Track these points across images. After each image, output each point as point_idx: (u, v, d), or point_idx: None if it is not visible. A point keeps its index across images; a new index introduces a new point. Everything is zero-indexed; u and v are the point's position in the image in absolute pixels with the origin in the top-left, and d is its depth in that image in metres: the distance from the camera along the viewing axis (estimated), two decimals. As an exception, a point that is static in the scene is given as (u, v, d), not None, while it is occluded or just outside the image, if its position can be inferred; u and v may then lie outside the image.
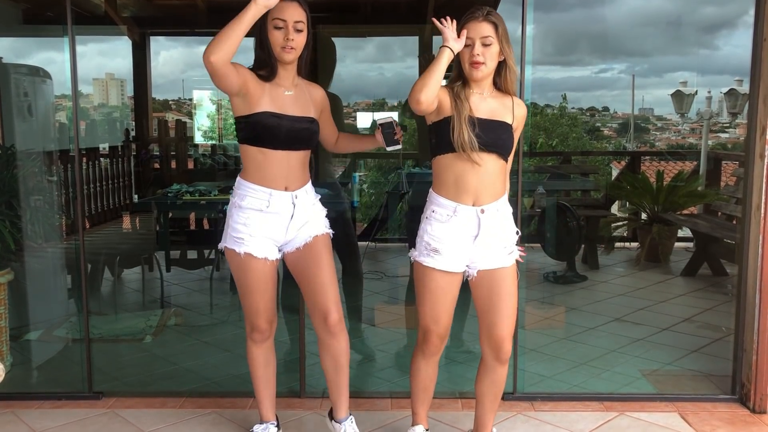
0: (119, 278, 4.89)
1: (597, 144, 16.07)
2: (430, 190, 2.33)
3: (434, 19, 2.21)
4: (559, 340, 3.90)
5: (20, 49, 5.57)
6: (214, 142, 6.75)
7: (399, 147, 2.44)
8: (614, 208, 6.67)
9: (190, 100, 7.25)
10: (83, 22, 3.99)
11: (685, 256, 5.50)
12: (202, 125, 6.73)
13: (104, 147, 6.00)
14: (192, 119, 6.87)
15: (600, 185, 6.83)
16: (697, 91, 8.42)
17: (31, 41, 5.43)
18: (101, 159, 5.70)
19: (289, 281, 2.75)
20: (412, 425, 2.58)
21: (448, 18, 2.19)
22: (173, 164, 6.07)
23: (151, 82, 6.63)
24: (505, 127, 2.26)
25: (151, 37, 6.62)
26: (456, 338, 3.55)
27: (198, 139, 6.70)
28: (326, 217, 2.53)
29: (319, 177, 3.22)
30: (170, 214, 4.93)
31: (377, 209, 6.20)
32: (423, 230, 2.31)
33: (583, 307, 4.54)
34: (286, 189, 2.36)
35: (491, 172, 2.24)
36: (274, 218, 2.37)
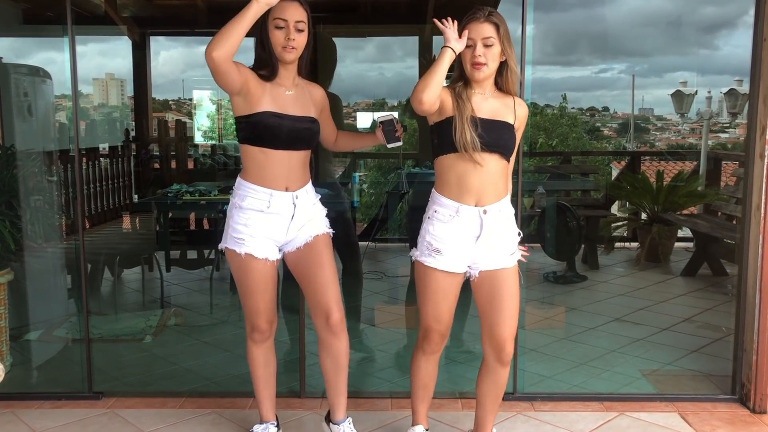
0: (119, 278, 4.89)
1: (597, 144, 16.08)
2: (433, 190, 2.33)
3: (435, 20, 2.21)
4: (559, 340, 3.90)
5: (20, 49, 5.58)
6: (214, 142, 6.76)
7: (400, 144, 2.45)
8: (614, 208, 6.67)
9: (190, 100, 7.26)
10: (83, 22, 3.99)
11: (685, 256, 5.50)
12: (202, 125, 6.74)
13: (104, 147, 6.00)
14: (192, 119, 6.87)
15: (600, 185, 6.83)
16: (697, 91, 8.43)
17: (31, 41, 5.43)
18: (101, 159, 5.70)
19: (289, 281, 2.75)
20: (412, 425, 2.58)
21: (449, 18, 2.19)
22: (173, 164, 6.06)
23: (151, 82, 6.63)
24: (507, 128, 2.26)
25: (151, 37, 6.62)
26: (456, 338, 3.55)
27: (198, 139, 6.70)
28: (326, 216, 2.53)
29: (319, 177, 3.22)
30: (170, 214, 4.93)
31: (377, 209, 6.20)
32: (425, 230, 2.31)
33: (583, 307, 4.54)
34: (286, 189, 2.36)
35: (493, 172, 2.24)
36: (275, 219, 2.37)
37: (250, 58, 2.33)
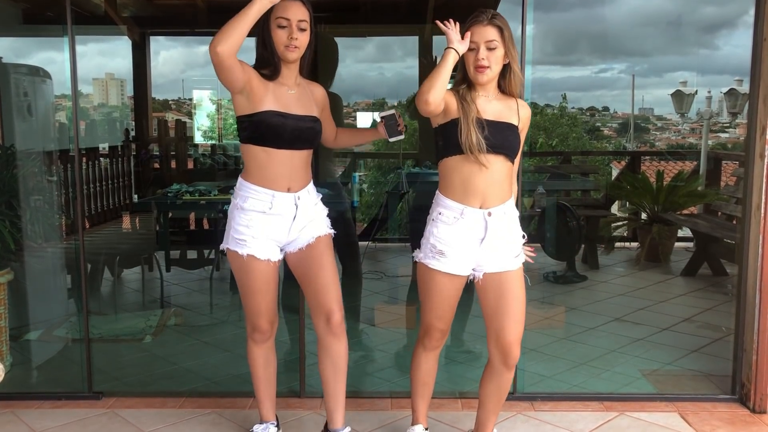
0: (119, 278, 4.89)
1: (597, 144, 16.06)
2: (437, 192, 2.32)
3: (437, 22, 2.21)
4: (559, 340, 3.90)
5: (20, 49, 5.57)
6: (213, 141, 6.75)
7: (402, 137, 2.46)
8: (614, 208, 6.67)
9: (190, 100, 7.25)
10: (83, 22, 3.99)
11: (685, 256, 5.50)
12: (202, 125, 6.73)
13: (104, 147, 6.00)
14: (192, 119, 6.87)
15: (600, 185, 6.83)
16: (697, 91, 8.42)
17: (31, 41, 5.43)
18: (101, 159, 5.70)
19: (289, 281, 2.75)
20: (412, 425, 2.58)
21: (450, 20, 2.19)
22: (173, 164, 6.06)
23: (151, 82, 6.63)
24: (512, 129, 2.26)
25: (151, 37, 6.61)
26: (456, 338, 3.55)
27: (198, 138, 6.70)
28: (327, 216, 2.53)
29: (320, 176, 3.22)
30: (170, 214, 4.93)
31: (377, 209, 6.20)
32: (429, 232, 2.31)
33: (583, 307, 4.54)
34: (288, 190, 2.35)
35: (498, 174, 2.24)
36: (277, 219, 2.36)
37: (251, 58, 2.33)
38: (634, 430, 2.79)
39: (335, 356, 2.47)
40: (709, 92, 9.18)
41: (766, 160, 2.86)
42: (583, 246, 5.42)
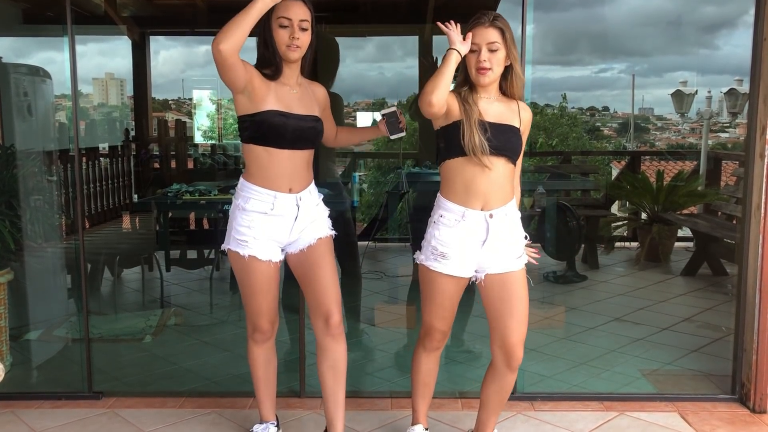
0: (119, 278, 4.89)
1: (597, 144, 16.07)
2: (438, 194, 2.32)
3: (439, 23, 2.21)
4: (559, 339, 3.90)
5: (20, 48, 5.57)
6: (213, 141, 6.75)
7: (403, 134, 2.47)
8: (614, 208, 6.67)
9: (190, 99, 7.25)
10: (83, 22, 3.98)
11: (685, 255, 5.50)
12: (202, 125, 6.73)
13: (104, 147, 6.00)
14: (192, 119, 6.86)
15: (600, 185, 6.83)
16: (697, 91, 8.42)
17: (31, 41, 5.43)
18: (101, 159, 5.70)
19: (289, 281, 2.75)
20: (412, 424, 2.58)
21: (452, 21, 2.19)
22: (173, 164, 6.06)
23: (151, 82, 6.62)
24: (514, 131, 2.26)
25: (151, 37, 6.61)
26: (456, 338, 3.55)
27: (198, 138, 6.69)
28: (328, 217, 2.53)
29: (320, 176, 3.22)
30: (170, 214, 4.93)
31: (377, 209, 6.20)
32: (430, 234, 2.30)
33: (583, 307, 4.54)
34: (290, 191, 2.35)
35: (501, 176, 2.23)
36: (278, 220, 2.36)
37: (252, 58, 2.32)
38: (634, 430, 2.79)
39: (334, 359, 2.46)
40: (709, 92, 9.19)
41: (766, 160, 2.86)
42: (583, 246, 5.42)
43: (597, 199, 6.38)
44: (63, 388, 3.17)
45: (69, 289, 4.08)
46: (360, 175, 6.73)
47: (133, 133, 6.57)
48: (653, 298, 4.73)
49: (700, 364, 3.48)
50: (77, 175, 3.35)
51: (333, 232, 2.51)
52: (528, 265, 2.38)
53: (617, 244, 6.08)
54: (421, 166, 5.32)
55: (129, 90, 7.42)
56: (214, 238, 5.09)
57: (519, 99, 2.32)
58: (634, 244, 6.02)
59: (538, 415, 2.91)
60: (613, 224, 6.16)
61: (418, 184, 4.71)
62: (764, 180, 2.86)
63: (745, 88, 6.83)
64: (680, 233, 5.92)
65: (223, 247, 2.43)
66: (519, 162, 2.36)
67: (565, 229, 5.15)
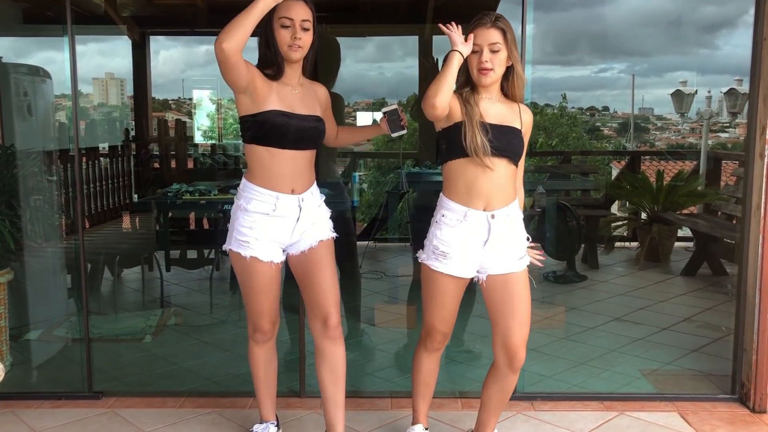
0: (119, 278, 4.89)
1: (597, 144, 16.07)
2: (440, 194, 2.32)
3: (440, 25, 2.21)
4: (559, 339, 3.90)
5: (20, 48, 5.57)
6: (213, 141, 6.75)
7: (404, 132, 2.47)
8: (614, 208, 6.67)
9: (190, 99, 7.25)
10: (83, 22, 3.98)
11: (685, 255, 5.51)
12: (202, 125, 6.73)
13: (104, 147, 6.00)
14: (192, 119, 6.86)
15: (600, 185, 6.83)
16: (697, 91, 8.43)
17: (31, 41, 5.43)
18: (101, 159, 5.69)
19: (289, 281, 2.75)
20: (412, 424, 2.58)
21: (453, 23, 2.19)
22: (173, 164, 6.06)
23: (151, 82, 6.62)
24: (515, 132, 2.26)
25: (151, 37, 6.61)
26: (456, 338, 3.55)
27: (198, 138, 6.70)
28: (329, 219, 2.52)
29: (321, 176, 3.23)
30: (170, 214, 4.92)
31: (377, 209, 6.20)
32: (432, 234, 2.30)
33: (583, 307, 4.54)
34: (292, 192, 2.34)
35: (502, 176, 2.24)
36: (280, 221, 2.35)
37: (253, 58, 2.32)
38: (634, 430, 2.79)
39: (333, 361, 2.45)
40: (709, 92, 9.19)
41: (766, 160, 2.86)
42: (583, 246, 5.42)
43: (597, 199, 6.38)
44: (63, 388, 3.17)
45: (69, 289, 4.08)
46: (360, 175, 6.73)
47: (133, 133, 6.57)
48: (653, 298, 4.73)
49: (700, 364, 3.48)
50: (77, 175, 3.35)
51: (334, 235, 2.50)
52: (530, 266, 2.38)
53: (617, 244, 6.08)
54: (421, 166, 5.32)
55: (129, 90, 7.42)
56: (214, 238, 5.10)
57: (520, 100, 2.32)
58: (634, 244, 6.02)
59: (538, 415, 2.91)
60: (613, 224, 6.16)
61: (418, 184, 4.71)
62: (764, 180, 2.86)
63: (745, 88, 6.83)
64: (680, 233, 5.93)
65: (225, 247, 2.42)
66: (521, 165, 2.36)
67: (565, 229, 5.15)
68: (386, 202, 5.58)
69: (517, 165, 2.30)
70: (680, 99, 8.14)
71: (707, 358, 3.59)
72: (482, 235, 2.25)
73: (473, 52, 2.20)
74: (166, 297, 4.69)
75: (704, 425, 2.82)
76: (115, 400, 3.07)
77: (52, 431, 2.79)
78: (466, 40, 2.19)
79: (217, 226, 5.09)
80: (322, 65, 2.50)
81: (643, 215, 5.96)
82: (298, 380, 3.09)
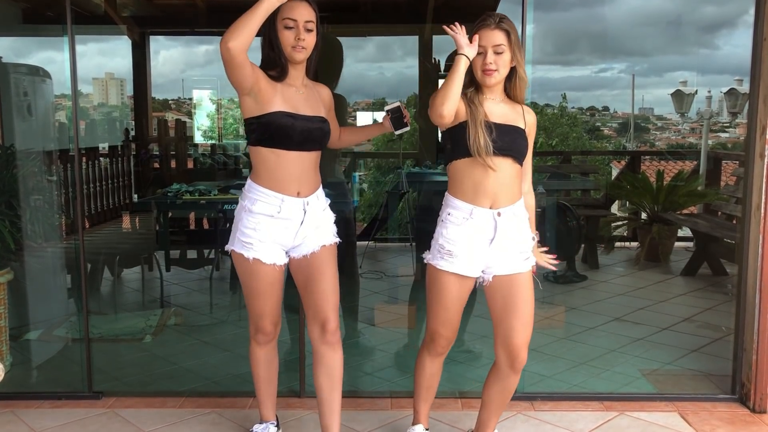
0: (119, 278, 4.89)
1: (597, 143, 16.07)
2: (446, 193, 2.32)
3: (445, 27, 2.20)
4: (559, 339, 3.90)
5: (20, 48, 5.57)
6: (213, 141, 6.75)
7: (407, 129, 2.48)
8: (614, 208, 6.67)
9: (190, 99, 7.25)
10: (83, 22, 3.99)
11: (685, 255, 5.50)
12: (202, 125, 6.73)
13: (104, 147, 6.00)
14: (192, 119, 6.86)
15: (600, 185, 6.83)
16: (697, 91, 8.42)
17: (31, 41, 5.43)
18: (101, 159, 5.70)
19: (290, 281, 2.75)
20: (413, 424, 2.58)
21: (457, 24, 2.19)
22: (173, 164, 6.06)
23: (151, 82, 6.63)
24: (519, 132, 2.26)
25: (151, 37, 6.61)
26: (456, 338, 3.54)
27: (198, 138, 6.70)
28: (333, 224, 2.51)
29: (324, 176, 3.23)
30: (170, 214, 4.93)
31: (377, 209, 6.20)
32: (438, 233, 2.30)
33: (583, 307, 4.54)
34: (298, 194, 2.33)
35: (507, 176, 2.23)
36: (284, 224, 2.34)
37: (256, 58, 2.32)
38: (634, 430, 2.79)
39: (330, 367, 2.44)
40: (709, 92, 9.18)
41: (766, 160, 2.86)
42: (583, 246, 5.42)
43: (597, 199, 6.38)
44: (63, 388, 3.17)
45: (69, 289, 4.08)
46: (360, 175, 6.73)
47: (133, 133, 6.58)
48: (653, 298, 4.73)
49: (700, 364, 3.48)
50: (77, 175, 3.35)
51: (337, 240, 2.49)
52: (540, 269, 2.38)
53: (617, 244, 6.08)
54: (421, 166, 5.32)
55: (129, 90, 7.42)
56: (214, 238, 5.10)
57: (522, 102, 2.33)
58: (634, 244, 6.01)
59: (538, 415, 2.91)
60: (613, 224, 6.16)
61: (419, 184, 4.72)
62: (764, 180, 2.86)
63: (745, 88, 6.83)
64: (680, 233, 5.92)
65: (227, 248, 2.41)
66: (529, 167, 2.36)
67: (565, 228, 5.15)
68: (386, 202, 5.58)
69: (521, 164, 2.29)
70: (680, 99, 8.13)
71: (707, 358, 3.59)
72: (489, 233, 2.25)
73: (477, 53, 2.20)
74: (166, 297, 4.69)
75: (704, 425, 2.82)
76: (115, 400, 3.07)
77: (52, 431, 2.79)
78: (470, 41, 2.18)
79: (217, 226, 5.09)
80: (324, 66, 2.49)
81: (643, 215, 5.95)
82: (298, 380, 3.09)
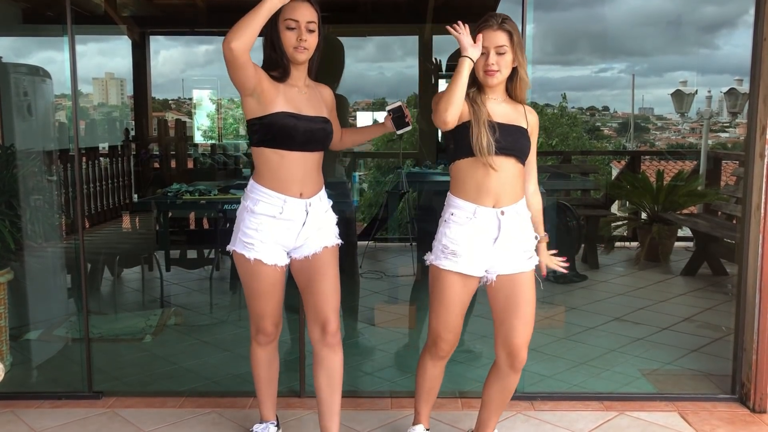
0: (119, 278, 4.89)
1: (597, 143, 16.08)
2: (448, 193, 2.32)
3: (448, 27, 2.20)
4: (559, 339, 3.90)
5: (20, 48, 5.57)
6: (213, 141, 6.75)
7: (409, 128, 2.48)
8: (614, 208, 6.67)
9: (190, 99, 7.25)
10: (83, 22, 3.99)
11: (685, 255, 5.51)
12: (202, 125, 6.73)
13: (104, 146, 6.00)
14: (192, 119, 6.87)
15: (600, 185, 6.83)
16: (697, 91, 8.42)
17: (31, 41, 5.43)
18: (101, 158, 5.70)
19: (290, 281, 2.75)
20: (413, 424, 2.58)
21: (460, 23, 2.18)
22: (173, 164, 6.06)
23: (151, 82, 6.63)
24: (521, 131, 2.26)
25: (151, 37, 6.62)
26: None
27: (198, 138, 6.70)
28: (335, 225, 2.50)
29: (326, 176, 3.23)
30: (170, 214, 4.93)
31: (377, 209, 6.20)
32: (441, 233, 2.30)
33: (583, 307, 4.54)
34: (300, 195, 2.32)
35: (510, 175, 2.23)
36: (287, 225, 2.34)
37: (257, 59, 2.31)
38: (634, 430, 2.79)
39: (330, 368, 2.44)
40: (709, 92, 9.19)
41: (766, 160, 2.86)
42: (583, 245, 5.42)
43: (597, 199, 6.38)
44: (63, 388, 3.17)
45: (69, 288, 4.08)
46: (360, 175, 6.73)
47: (133, 132, 6.58)
48: (653, 297, 4.73)
49: (700, 364, 3.48)
50: (77, 174, 3.35)
51: (339, 241, 2.48)
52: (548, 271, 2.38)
53: (617, 243, 6.08)
54: (421, 166, 5.33)
55: (129, 90, 7.42)
56: (214, 238, 5.10)
57: (523, 102, 2.33)
58: (634, 244, 6.02)
59: (538, 415, 2.91)
60: (613, 224, 6.16)
61: (419, 184, 4.72)
62: (764, 180, 2.86)
63: (745, 87, 6.83)
64: (680, 233, 5.93)
65: (229, 248, 2.40)
66: (534, 167, 2.36)
67: (565, 228, 5.15)
68: (386, 202, 5.58)
69: (524, 164, 2.29)
70: (680, 99, 8.14)
71: (707, 358, 3.59)
72: (492, 232, 2.25)
73: (480, 54, 2.20)
74: (166, 297, 4.69)
75: (704, 425, 2.82)
76: (115, 400, 3.07)
77: (52, 431, 2.79)
78: (474, 41, 2.18)
79: (217, 226, 5.09)
80: (325, 67, 2.49)
81: (643, 215, 5.96)
82: (298, 380, 3.09)
